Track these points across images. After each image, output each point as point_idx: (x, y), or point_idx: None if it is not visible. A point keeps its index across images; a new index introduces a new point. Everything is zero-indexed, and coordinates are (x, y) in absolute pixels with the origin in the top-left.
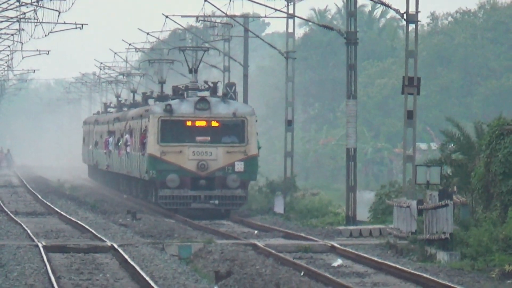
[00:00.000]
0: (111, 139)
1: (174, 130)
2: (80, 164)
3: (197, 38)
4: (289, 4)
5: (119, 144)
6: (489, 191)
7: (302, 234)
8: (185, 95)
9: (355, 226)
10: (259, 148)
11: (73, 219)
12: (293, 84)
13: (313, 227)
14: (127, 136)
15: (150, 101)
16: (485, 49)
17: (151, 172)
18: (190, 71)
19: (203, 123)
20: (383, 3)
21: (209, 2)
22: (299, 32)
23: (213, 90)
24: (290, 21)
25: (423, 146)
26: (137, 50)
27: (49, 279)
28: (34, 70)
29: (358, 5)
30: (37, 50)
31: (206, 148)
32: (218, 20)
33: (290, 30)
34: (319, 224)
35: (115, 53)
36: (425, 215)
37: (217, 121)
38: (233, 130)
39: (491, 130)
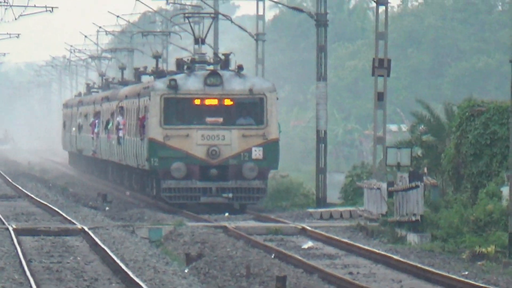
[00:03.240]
0: (98, 122)
1: (179, 110)
2: (53, 146)
3: (167, 21)
4: None
5: (108, 127)
6: (459, 173)
7: (273, 216)
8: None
9: (325, 208)
10: (279, 131)
11: (43, 202)
12: (263, 66)
13: (283, 209)
14: (119, 118)
15: (144, 79)
16: (455, 30)
17: (152, 160)
18: (197, 41)
19: (214, 102)
20: None
21: None
22: (269, 15)
23: (225, 63)
24: (260, 3)
25: (393, 127)
26: (107, 33)
27: (20, 262)
28: (4, 54)
29: None
30: (7, 34)
31: (217, 131)
32: (188, 2)
33: (260, 12)
34: (289, 207)
35: (85, 36)
36: (396, 197)
37: (230, 99)
38: (250, 110)
39: (461, 112)
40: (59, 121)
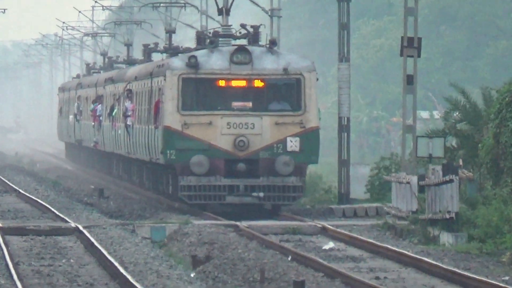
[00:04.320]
0: (100, 107)
1: (201, 93)
2: (44, 136)
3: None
4: None
5: (113, 114)
6: (498, 165)
7: (290, 214)
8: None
9: (348, 205)
10: (319, 118)
11: (32, 197)
12: (279, 45)
13: (301, 205)
14: (127, 103)
15: (155, 57)
16: (494, 5)
17: (168, 153)
18: (220, 12)
19: (242, 83)
20: None
21: None
22: None
23: (254, 37)
24: None
25: (424, 114)
26: (104, 8)
27: (7, 265)
28: None
29: None
30: None
31: (246, 118)
32: None
33: None
34: (308, 203)
35: (80, 12)
36: (427, 192)
37: (262, 80)
38: (285, 93)
39: (500, 97)
40: (50, 107)
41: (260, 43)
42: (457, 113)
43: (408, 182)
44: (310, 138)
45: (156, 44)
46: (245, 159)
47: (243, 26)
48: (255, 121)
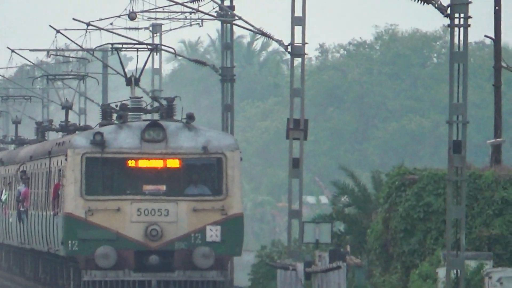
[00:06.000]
0: None
1: (108, 175)
2: None
3: (48, 75)
4: (155, 35)
5: (3, 199)
6: (388, 251)
7: None
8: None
9: None
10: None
11: None
12: None
13: None
14: (20, 186)
15: (51, 135)
16: (383, 86)
17: (69, 243)
18: (129, 81)
19: (155, 163)
20: (264, 34)
21: (62, 34)
22: (167, 68)
23: (168, 111)
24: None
25: (311, 199)
26: None
27: None
28: None
29: (235, 36)
30: None
31: (159, 204)
32: (73, 54)
33: (156, 65)
34: None
35: None
36: (314, 279)
37: (177, 160)
38: (204, 175)
39: (390, 181)
40: None
41: (175, 117)
42: (345, 198)
43: (294, 269)
44: (233, 226)
45: (51, 121)
46: (158, 251)
47: (154, 98)
48: (169, 207)
